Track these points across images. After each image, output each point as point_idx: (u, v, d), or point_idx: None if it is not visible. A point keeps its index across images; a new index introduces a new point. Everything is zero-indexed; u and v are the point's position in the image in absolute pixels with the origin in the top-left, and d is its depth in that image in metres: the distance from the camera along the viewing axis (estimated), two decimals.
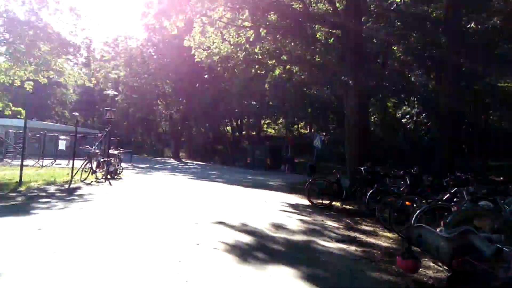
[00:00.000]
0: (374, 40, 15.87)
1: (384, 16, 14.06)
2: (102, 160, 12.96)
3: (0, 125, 23.64)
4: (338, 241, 5.62)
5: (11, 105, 14.41)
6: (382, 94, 21.01)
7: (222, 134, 41.87)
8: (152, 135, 48.73)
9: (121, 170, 14.57)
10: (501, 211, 4.85)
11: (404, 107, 25.61)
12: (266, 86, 17.09)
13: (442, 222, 4.27)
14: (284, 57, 13.78)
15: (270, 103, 30.18)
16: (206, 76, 38.10)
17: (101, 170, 12.98)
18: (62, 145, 22.46)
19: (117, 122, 44.86)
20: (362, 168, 9.54)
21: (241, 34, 13.60)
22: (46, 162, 18.77)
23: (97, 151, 13.29)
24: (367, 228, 7.00)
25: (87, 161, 12.47)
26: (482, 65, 14.12)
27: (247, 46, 13.76)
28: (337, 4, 12.89)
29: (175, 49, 35.12)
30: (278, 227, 6.34)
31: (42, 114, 48.36)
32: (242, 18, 13.04)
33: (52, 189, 9.40)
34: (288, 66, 14.40)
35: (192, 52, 14.64)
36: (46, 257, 3.90)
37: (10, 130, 21.18)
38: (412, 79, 21.08)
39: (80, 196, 8.46)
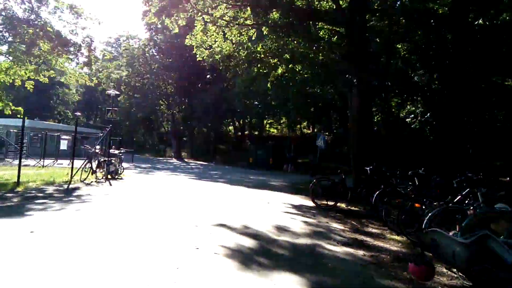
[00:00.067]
0: (377, 40, 15.61)
1: (388, 13, 13.76)
2: (102, 160, 12.78)
3: (1, 125, 23.53)
4: (344, 244, 5.37)
5: (11, 104, 14.29)
6: (385, 93, 20.73)
7: (224, 134, 41.72)
8: (154, 135, 48.62)
9: (122, 170, 14.42)
10: None
11: (409, 107, 25.29)
12: (269, 85, 16.81)
13: (457, 226, 4.01)
14: (287, 56, 13.53)
15: (273, 102, 29.93)
16: (208, 76, 38.15)
17: (101, 170, 12.81)
18: (63, 145, 22.42)
19: (119, 122, 44.93)
20: (368, 168, 9.27)
21: (243, 33, 13.42)
22: (48, 162, 18.67)
23: (97, 150, 13.10)
24: (374, 230, 6.74)
25: (87, 161, 12.31)
26: (489, 63, 13.84)
27: (249, 44, 13.58)
28: (341, 2, 12.64)
29: (177, 49, 35.03)
30: (282, 229, 6.09)
31: (44, 114, 48.47)
32: (244, 16, 12.83)
33: (50, 189, 9.19)
34: (290, 65, 14.15)
35: (194, 51, 14.45)
36: (35, 262, 3.68)
37: (11, 130, 21.08)
38: (415, 78, 20.80)
39: (78, 197, 8.24)
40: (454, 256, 3.50)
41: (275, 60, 13.88)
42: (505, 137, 21.03)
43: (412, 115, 23.35)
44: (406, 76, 19.86)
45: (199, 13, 12.77)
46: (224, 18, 12.88)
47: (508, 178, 7.65)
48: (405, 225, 6.26)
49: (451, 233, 4.30)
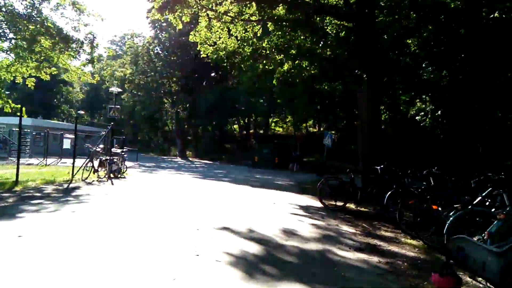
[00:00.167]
0: (385, 36, 15.18)
1: (398, 6, 13.30)
2: (104, 158, 12.51)
3: (4, 123, 23.43)
4: (357, 250, 4.98)
5: (10, 102, 14.07)
6: (393, 90, 20.22)
7: (229, 133, 41.43)
8: (158, 134, 48.46)
9: (125, 169, 14.17)
10: None
11: (418, 104, 24.73)
12: (274, 82, 16.43)
13: (487, 233, 3.60)
14: (293, 52, 13.14)
15: (278, 100, 29.53)
16: (213, 74, 37.86)
17: (103, 169, 12.55)
18: (67, 144, 22.25)
19: (124, 120, 44.87)
20: (378, 168, 8.84)
21: (248, 29, 13.07)
22: (51, 160, 18.49)
23: (98, 149, 12.83)
24: (387, 234, 6.34)
25: (88, 159, 12.06)
26: (502, 59, 13.32)
27: (255, 40, 13.22)
28: None
29: (181, 46, 34.81)
30: (289, 233, 5.71)
31: (48, 112, 48.58)
32: (249, 12, 12.48)
33: (49, 189, 8.91)
34: (297, 61, 13.77)
35: (198, 48, 14.13)
36: (17, 271, 3.35)
37: (14, 129, 20.94)
38: (424, 76, 20.29)
39: (76, 197, 7.93)
40: (485, 266, 3.11)
41: (281, 56, 13.52)
42: None
43: (422, 113, 22.82)
44: (415, 72, 19.36)
45: (203, 9, 12.47)
46: (228, 14, 12.56)
47: None
48: (420, 228, 5.87)
49: (475, 239, 3.91)
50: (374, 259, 4.61)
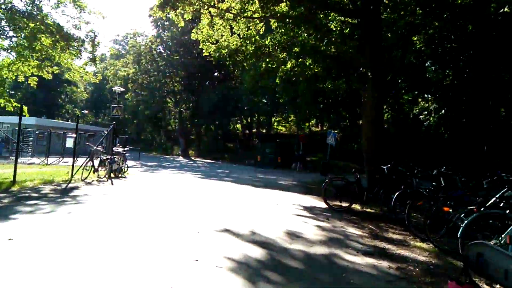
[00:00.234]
0: (389, 34, 14.88)
1: (403, 3, 13.01)
2: (104, 158, 12.33)
3: (7, 123, 23.35)
4: (365, 254, 4.73)
5: (12, 101, 13.94)
6: (396, 89, 19.94)
7: (232, 132, 41.23)
8: (161, 133, 48.36)
9: (126, 169, 13.99)
10: None
11: (422, 103, 24.42)
12: (277, 80, 16.16)
13: (508, 236, 3.35)
14: (296, 49, 12.90)
15: (281, 99, 29.27)
16: (215, 73, 37.66)
17: (103, 169, 12.37)
18: (70, 143, 22.19)
19: (127, 120, 44.81)
20: (385, 167, 8.58)
21: (250, 27, 12.85)
22: (53, 160, 18.39)
23: (99, 148, 12.65)
24: (395, 236, 6.08)
25: (88, 159, 11.88)
26: (508, 57, 12.99)
27: (257, 38, 12.98)
28: None
29: (184, 46, 34.64)
30: (293, 236, 5.47)
31: (52, 112, 48.65)
32: (251, 9, 12.23)
33: (47, 189, 8.72)
34: (300, 59, 13.51)
35: (200, 46, 13.90)
36: (2, 276, 3.14)
37: (17, 128, 20.86)
38: (427, 75, 19.98)
39: (74, 197, 7.71)
40: (507, 275, 2.86)
41: (284, 54, 13.28)
42: None
43: (426, 112, 22.50)
44: (419, 71, 19.04)
45: (205, 6, 12.23)
46: (231, 11, 12.30)
47: None
48: (430, 230, 5.61)
49: (491, 243, 3.66)
50: (384, 264, 4.36)
